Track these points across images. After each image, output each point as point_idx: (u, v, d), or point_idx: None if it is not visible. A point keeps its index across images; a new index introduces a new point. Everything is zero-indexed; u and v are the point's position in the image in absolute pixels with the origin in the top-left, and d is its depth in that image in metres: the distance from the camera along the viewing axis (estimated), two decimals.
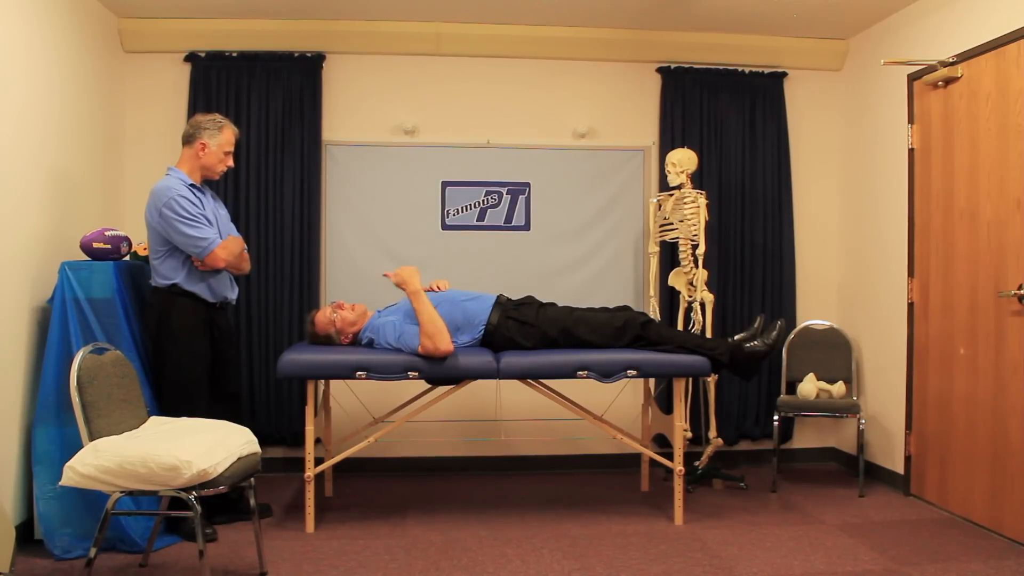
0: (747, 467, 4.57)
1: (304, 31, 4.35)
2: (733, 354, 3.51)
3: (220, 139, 3.38)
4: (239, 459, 2.70)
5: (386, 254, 4.47)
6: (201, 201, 3.33)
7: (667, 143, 4.53)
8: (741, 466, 4.58)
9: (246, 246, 3.54)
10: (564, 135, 4.60)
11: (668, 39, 4.57)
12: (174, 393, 3.28)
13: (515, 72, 4.58)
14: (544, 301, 3.70)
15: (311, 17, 4.32)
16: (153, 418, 2.93)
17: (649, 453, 3.79)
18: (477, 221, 4.54)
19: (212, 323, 3.41)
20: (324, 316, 3.63)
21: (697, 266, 4.10)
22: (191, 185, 3.32)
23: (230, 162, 3.45)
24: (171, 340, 3.28)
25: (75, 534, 3.07)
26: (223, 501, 3.33)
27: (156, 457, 2.47)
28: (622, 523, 3.57)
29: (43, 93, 3.45)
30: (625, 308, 3.69)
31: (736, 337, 3.62)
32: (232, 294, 3.52)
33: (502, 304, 3.61)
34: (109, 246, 3.36)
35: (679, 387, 3.59)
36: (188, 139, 3.39)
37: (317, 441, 3.59)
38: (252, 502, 2.92)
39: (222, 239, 3.34)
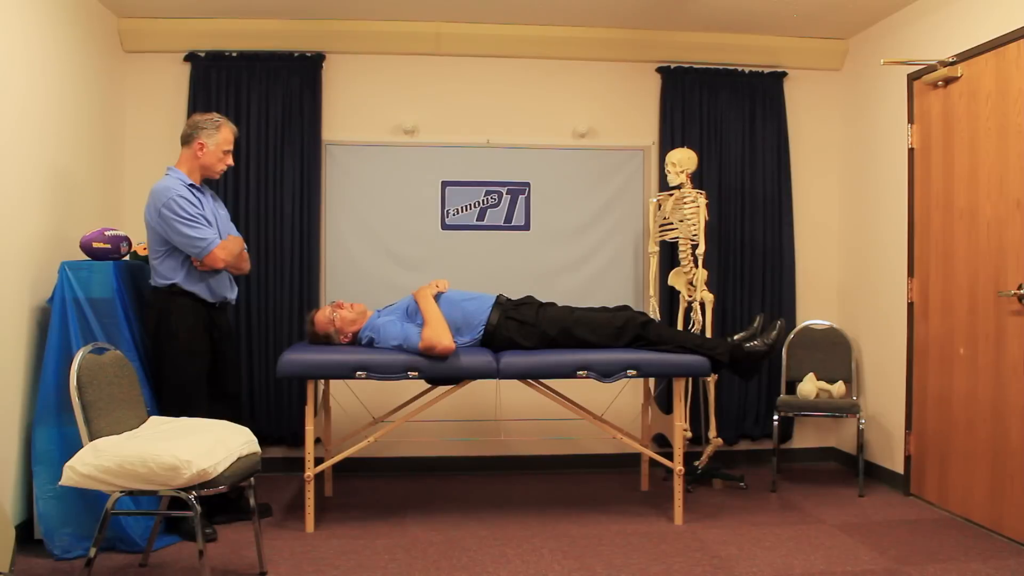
0: (747, 467, 4.57)
1: (304, 31, 4.35)
2: (733, 354, 3.51)
3: (218, 138, 3.37)
4: (239, 459, 2.71)
5: (386, 254, 4.47)
6: (200, 201, 3.32)
7: (667, 143, 4.53)
8: (741, 466, 4.58)
9: (246, 246, 3.54)
10: (564, 135, 4.60)
11: (668, 39, 4.57)
12: (173, 393, 3.28)
13: (515, 72, 4.58)
14: (544, 301, 3.71)
15: (311, 17, 4.32)
16: (153, 418, 2.94)
17: (649, 453, 3.79)
18: (477, 221, 4.54)
19: (212, 323, 3.41)
20: (323, 315, 3.63)
21: (697, 266, 4.10)
22: (190, 185, 3.31)
23: (230, 161, 3.44)
24: (170, 340, 3.27)
25: (75, 534, 3.06)
26: (223, 501, 3.34)
27: (156, 457, 2.47)
28: (622, 523, 3.57)
29: (43, 93, 3.45)
30: (625, 308, 3.69)
31: (736, 336, 3.62)
32: (231, 294, 3.52)
33: (502, 304, 3.61)
34: (109, 246, 3.36)
35: (679, 387, 3.59)
36: (186, 139, 3.39)
37: (317, 441, 3.59)
38: (252, 502, 2.92)
39: (221, 239, 3.35)
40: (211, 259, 3.26)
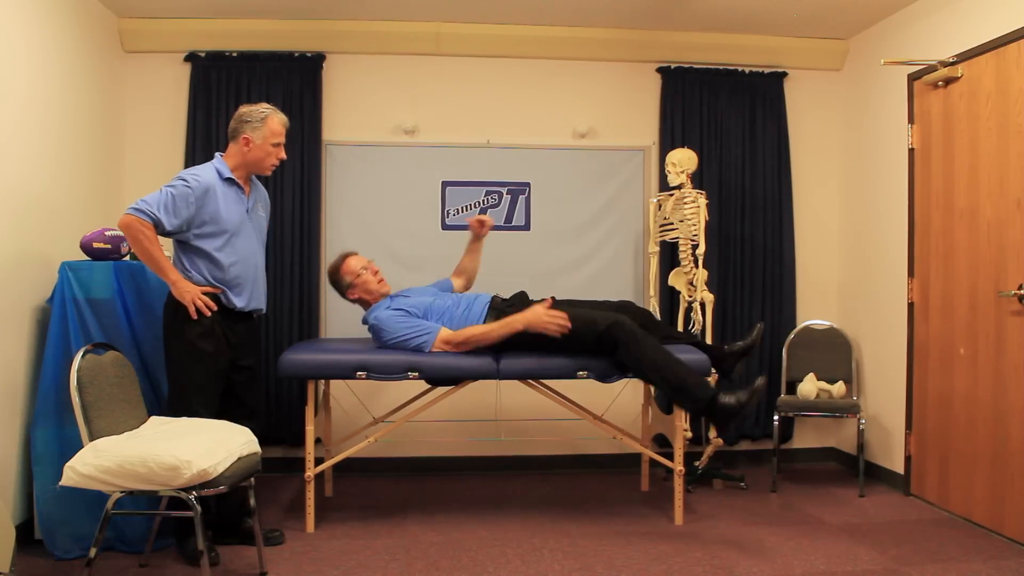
0: (747, 467, 4.57)
1: (304, 31, 4.35)
2: (708, 406, 3.24)
3: (264, 131, 3.14)
4: (239, 459, 2.71)
5: (386, 254, 4.46)
6: (223, 195, 3.09)
7: (667, 143, 4.53)
8: (741, 466, 4.58)
9: (169, 251, 3.21)
10: (564, 135, 4.60)
11: (668, 39, 4.57)
12: (175, 396, 3.12)
13: (515, 72, 4.58)
14: (535, 299, 3.64)
15: (311, 17, 4.32)
16: (153, 418, 2.93)
17: (649, 453, 3.79)
18: None
19: (230, 330, 3.16)
20: (354, 265, 3.60)
21: (697, 266, 4.10)
22: (227, 179, 3.13)
23: (281, 154, 3.22)
24: (175, 340, 3.10)
25: (75, 534, 3.06)
26: (223, 522, 3.24)
27: (156, 457, 2.47)
28: (622, 523, 3.57)
29: (43, 93, 3.45)
30: (627, 303, 3.66)
31: (731, 348, 3.55)
32: (243, 303, 3.18)
33: (496, 308, 3.57)
34: (109, 246, 3.33)
35: None
36: (233, 134, 3.17)
37: (317, 441, 3.59)
38: (252, 502, 2.92)
39: (240, 236, 3.15)
40: (125, 217, 2.96)
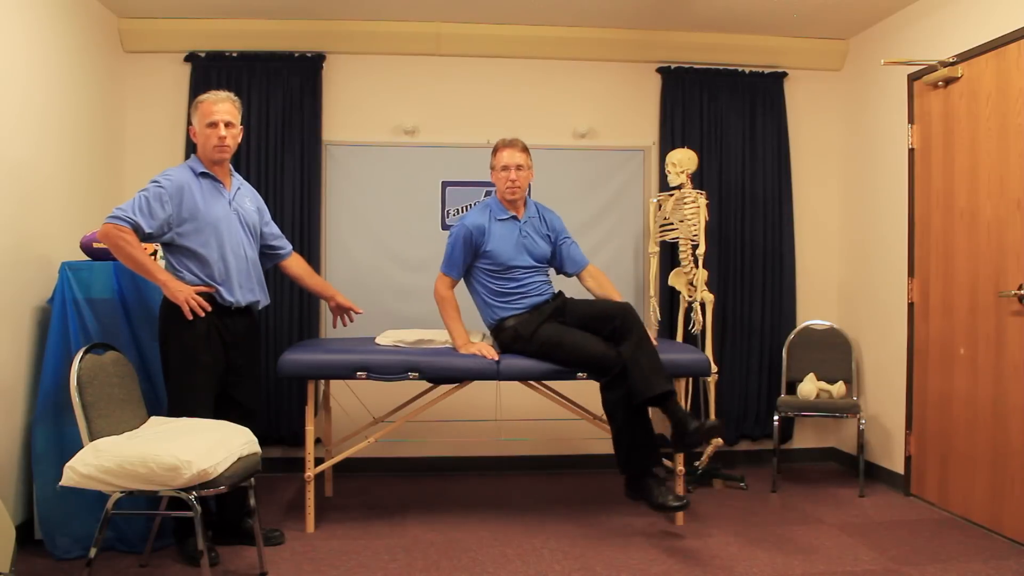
0: (747, 467, 4.57)
1: (304, 31, 4.35)
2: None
3: (198, 116, 3.09)
4: (239, 459, 2.71)
5: (386, 254, 4.47)
6: (200, 190, 3.06)
7: (667, 143, 4.53)
8: (741, 466, 4.57)
9: (160, 250, 3.21)
10: (564, 135, 4.60)
11: (668, 39, 4.57)
12: (177, 404, 3.06)
13: (515, 72, 4.58)
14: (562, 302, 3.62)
15: (311, 17, 4.32)
16: (153, 418, 2.93)
17: None
18: None
19: (225, 329, 3.11)
20: (508, 160, 3.61)
21: (697, 266, 4.10)
22: (201, 174, 3.10)
23: (220, 132, 3.07)
24: (176, 350, 3.05)
25: (75, 534, 3.06)
26: (223, 522, 3.24)
27: (156, 457, 2.47)
28: (622, 523, 3.57)
29: (43, 93, 3.45)
30: (624, 306, 3.49)
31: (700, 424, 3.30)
32: (247, 297, 3.16)
33: (532, 316, 3.52)
34: None
35: (679, 387, 3.58)
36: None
37: (317, 441, 3.59)
38: (252, 502, 2.92)
39: (225, 233, 3.09)
40: (104, 227, 2.93)
